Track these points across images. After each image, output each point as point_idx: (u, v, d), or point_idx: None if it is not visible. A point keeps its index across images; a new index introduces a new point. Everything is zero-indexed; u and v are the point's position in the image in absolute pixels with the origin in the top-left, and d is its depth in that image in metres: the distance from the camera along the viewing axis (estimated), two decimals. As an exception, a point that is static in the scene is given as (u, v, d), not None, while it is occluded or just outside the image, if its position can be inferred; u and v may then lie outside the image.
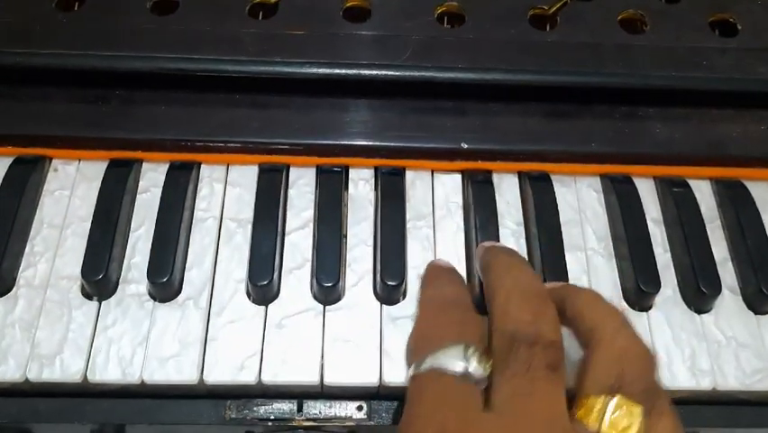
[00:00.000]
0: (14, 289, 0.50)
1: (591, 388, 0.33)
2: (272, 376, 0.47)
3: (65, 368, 0.47)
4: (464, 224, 0.54)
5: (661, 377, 0.48)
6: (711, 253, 0.53)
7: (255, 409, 0.48)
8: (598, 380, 0.33)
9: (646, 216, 0.55)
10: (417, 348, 0.35)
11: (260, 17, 0.60)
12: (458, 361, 0.33)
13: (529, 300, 0.36)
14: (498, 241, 0.52)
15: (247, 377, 0.47)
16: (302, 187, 0.55)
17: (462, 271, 0.52)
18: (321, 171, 0.56)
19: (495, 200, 0.55)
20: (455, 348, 0.34)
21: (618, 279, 0.53)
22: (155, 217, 0.53)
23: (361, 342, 0.49)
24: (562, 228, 0.54)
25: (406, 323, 0.49)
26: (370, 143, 0.55)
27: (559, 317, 0.36)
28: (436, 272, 0.43)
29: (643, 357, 0.34)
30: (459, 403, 0.32)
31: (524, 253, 0.53)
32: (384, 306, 0.50)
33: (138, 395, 0.48)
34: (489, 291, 0.38)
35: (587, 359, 0.34)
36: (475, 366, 0.33)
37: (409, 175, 0.56)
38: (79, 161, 0.56)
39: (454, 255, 0.53)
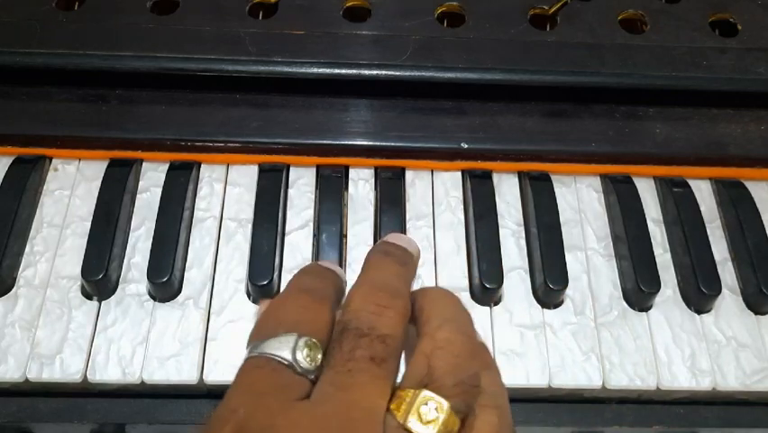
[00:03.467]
0: (14, 288, 0.50)
1: (405, 380, 0.32)
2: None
3: (65, 368, 0.47)
4: (464, 223, 0.54)
5: (659, 376, 0.48)
6: (711, 253, 0.53)
7: (255, 408, 0.48)
8: (411, 372, 0.33)
9: (646, 216, 0.55)
10: (256, 333, 0.34)
11: (260, 17, 0.60)
12: (286, 349, 0.33)
13: (376, 293, 0.35)
14: (497, 241, 0.52)
15: (247, 377, 0.47)
16: (302, 187, 0.55)
17: (463, 270, 0.52)
18: (321, 171, 0.56)
19: (495, 200, 0.55)
20: (287, 337, 0.33)
21: (618, 279, 0.53)
22: (155, 217, 0.53)
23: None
24: (562, 228, 0.54)
25: (406, 323, 0.49)
26: (370, 143, 0.55)
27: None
28: (310, 266, 0.42)
29: (459, 349, 0.34)
30: (274, 391, 0.32)
31: (524, 252, 0.53)
32: (384, 306, 0.50)
33: (138, 395, 0.48)
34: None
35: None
36: (302, 357, 0.32)
37: (409, 175, 0.56)
38: (79, 160, 0.56)
39: (454, 255, 0.53)
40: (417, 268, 0.42)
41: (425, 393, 0.32)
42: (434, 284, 0.52)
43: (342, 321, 0.34)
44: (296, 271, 0.49)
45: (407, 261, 0.40)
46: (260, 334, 0.34)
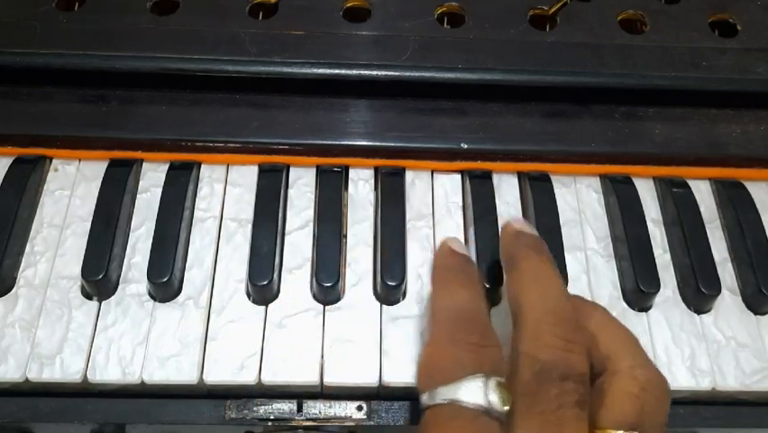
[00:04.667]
0: (14, 288, 0.50)
1: (609, 422, 0.31)
2: (272, 376, 0.47)
3: (65, 368, 0.47)
4: (464, 223, 0.54)
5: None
6: (711, 253, 0.53)
7: (255, 409, 0.48)
8: (617, 414, 0.31)
9: (646, 216, 0.55)
10: (431, 374, 0.32)
11: (260, 17, 0.60)
12: (478, 395, 0.31)
13: (561, 325, 0.33)
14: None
15: (247, 377, 0.47)
16: (302, 187, 0.55)
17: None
18: (321, 171, 0.56)
19: (494, 200, 0.55)
20: (474, 381, 0.31)
21: (618, 279, 0.53)
22: (155, 217, 0.53)
23: (361, 342, 0.49)
24: (562, 228, 0.54)
25: (407, 323, 0.49)
26: (370, 143, 0.56)
27: None
28: (449, 270, 0.39)
29: (661, 390, 0.33)
30: None
31: (523, 253, 0.53)
32: (384, 306, 0.50)
33: (138, 395, 0.48)
34: (515, 303, 0.36)
35: (604, 389, 0.32)
36: (496, 400, 0.30)
37: (409, 175, 0.56)
38: (79, 160, 0.56)
39: (454, 255, 0.53)
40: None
41: None
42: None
43: (536, 359, 0.32)
44: (297, 272, 0.49)
45: (551, 258, 0.39)
46: (437, 377, 0.32)
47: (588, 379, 0.32)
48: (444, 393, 0.31)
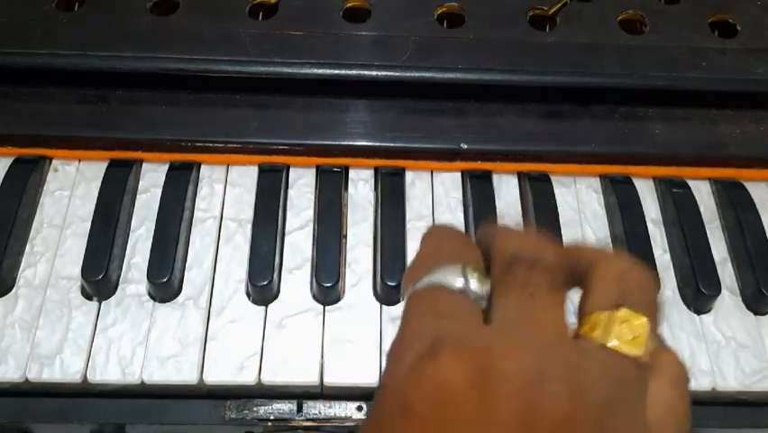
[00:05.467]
0: (14, 289, 0.50)
1: (594, 306, 0.31)
2: (272, 376, 0.47)
3: (65, 368, 0.47)
4: (464, 224, 0.54)
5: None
6: (711, 253, 0.53)
7: (255, 409, 0.48)
8: (600, 296, 0.31)
9: (646, 216, 0.55)
10: (414, 271, 0.34)
11: (260, 17, 0.60)
12: (456, 276, 0.32)
13: (531, 234, 0.35)
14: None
15: (247, 377, 0.47)
16: (302, 187, 0.55)
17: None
18: (321, 171, 0.56)
19: (494, 201, 0.55)
20: (453, 267, 0.33)
21: (618, 279, 0.53)
22: (155, 217, 0.53)
23: (361, 342, 0.49)
24: (562, 228, 0.54)
25: (406, 323, 0.49)
26: (370, 144, 0.56)
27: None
28: (439, 227, 0.42)
29: (644, 274, 0.33)
30: (458, 313, 0.31)
31: (523, 253, 0.53)
32: (384, 306, 0.50)
33: (138, 395, 0.48)
34: (491, 243, 0.37)
35: (587, 283, 0.33)
36: (474, 282, 0.32)
37: (409, 175, 0.56)
38: (79, 161, 0.56)
39: (454, 255, 0.53)
40: None
41: (623, 311, 0.30)
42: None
43: (505, 252, 0.33)
44: (297, 273, 0.49)
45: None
46: (420, 270, 0.34)
47: (561, 272, 0.32)
48: (425, 280, 0.33)
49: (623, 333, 0.30)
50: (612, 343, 0.30)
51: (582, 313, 0.32)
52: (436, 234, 0.38)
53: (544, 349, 0.29)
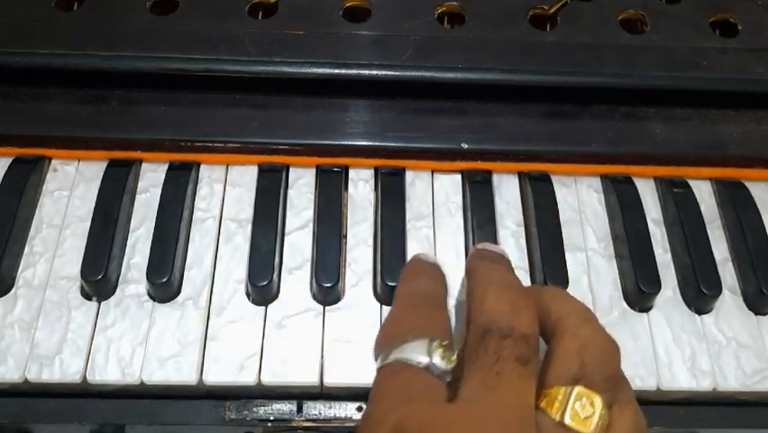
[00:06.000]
0: (14, 289, 0.50)
1: (554, 378, 0.33)
2: (272, 377, 0.47)
3: (64, 368, 0.47)
4: (464, 224, 0.54)
5: (659, 376, 0.48)
6: (711, 253, 0.53)
7: (255, 409, 0.48)
8: (560, 370, 0.33)
9: (646, 216, 0.55)
10: (384, 342, 0.35)
11: (260, 17, 0.60)
12: (421, 353, 0.33)
13: (507, 292, 0.35)
14: (496, 242, 0.52)
15: (247, 377, 0.47)
16: (302, 187, 0.55)
17: (460, 272, 0.52)
18: (321, 171, 0.56)
19: (494, 200, 0.55)
20: (419, 342, 0.34)
21: (618, 279, 0.53)
22: (154, 218, 0.52)
23: (361, 342, 0.49)
24: (562, 228, 0.54)
25: (406, 323, 0.49)
26: (370, 143, 0.55)
27: None
28: (416, 266, 0.43)
29: (604, 347, 0.34)
30: (422, 394, 0.33)
31: (524, 253, 0.53)
32: (384, 306, 0.50)
33: (138, 395, 0.48)
34: (469, 289, 0.38)
35: (550, 350, 0.34)
36: (438, 359, 0.33)
37: (409, 175, 0.56)
38: (79, 161, 0.56)
39: (454, 255, 0.53)
40: None
41: (579, 389, 0.32)
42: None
43: (480, 323, 0.34)
44: (297, 273, 0.49)
45: (511, 268, 0.41)
46: (389, 342, 0.35)
47: (533, 341, 0.33)
48: (393, 354, 0.34)
49: (576, 412, 0.32)
50: (567, 420, 0.31)
51: (542, 382, 0.33)
52: (409, 290, 0.39)
53: (502, 430, 0.30)
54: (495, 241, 0.53)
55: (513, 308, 0.34)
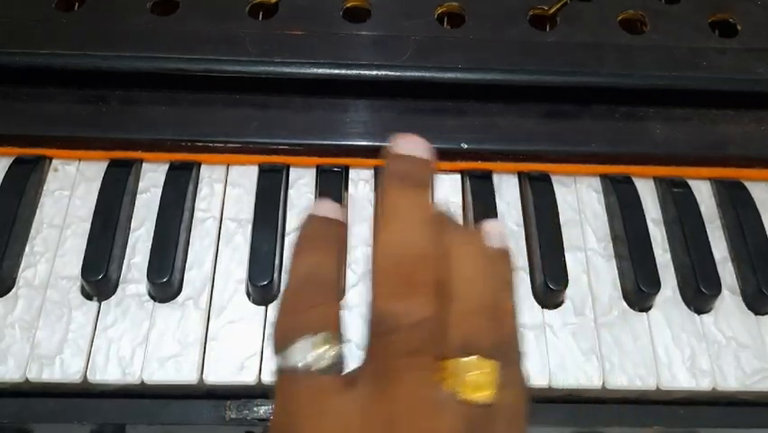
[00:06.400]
0: (14, 289, 0.50)
1: (448, 350, 0.32)
2: (272, 376, 0.47)
3: (65, 368, 0.47)
4: (464, 224, 0.54)
5: (659, 376, 0.48)
6: (711, 253, 0.53)
7: (255, 409, 0.48)
8: (450, 341, 0.32)
9: (646, 216, 0.55)
10: (274, 343, 0.34)
11: (260, 17, 0.60)
12: (303, 357, 0.33)
13: (400, 271, 0.33)
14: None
15: (247, 377, 0.47)
16: (302, 187, 0.55)
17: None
18: (321, 171, 0.56)
19: (494, 201, 0.55)
20: (302, 342, 0.33)
21: (618, 279, 0.53)
22: (155, 218, 0.53)
23: (361, 342, 0.49)
24: (562, 228, 0.54)
25: (406, 323, 0.49)
26: (370, 143, 0.55)
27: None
28: (309, 231, 0.39)
29: (491, 308, 0.33)
30: (310, 401, 0.32)
31: (524, 253, 0.53)
32: (384, 306, 0.50)
33: (138, 395, 0.48)
34: (375, 231, 0.35)
35: (444, 317, 0.32)
36: (325, 360, 0.33)
37: (409, 175, 0.56)
38: (79, 161, 0.56)
39: (454, 255, 0.53)
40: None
41: (468, 360, 0.31)
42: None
43: (372, 318, 0.34)
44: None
45: (425, 176, 0.37)
46: (277, 345, 0.34)
47: (429, 322, 0.32)
48: (279, 362, 0.33)
49: (469, 383, 0.31)
50: (462, 395, 0.30)
51: (438, 354, 0.32)
52: (298, 271, 0.37)
53: (391, 428, 0.30)
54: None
55: (404, 293, 0.33)
